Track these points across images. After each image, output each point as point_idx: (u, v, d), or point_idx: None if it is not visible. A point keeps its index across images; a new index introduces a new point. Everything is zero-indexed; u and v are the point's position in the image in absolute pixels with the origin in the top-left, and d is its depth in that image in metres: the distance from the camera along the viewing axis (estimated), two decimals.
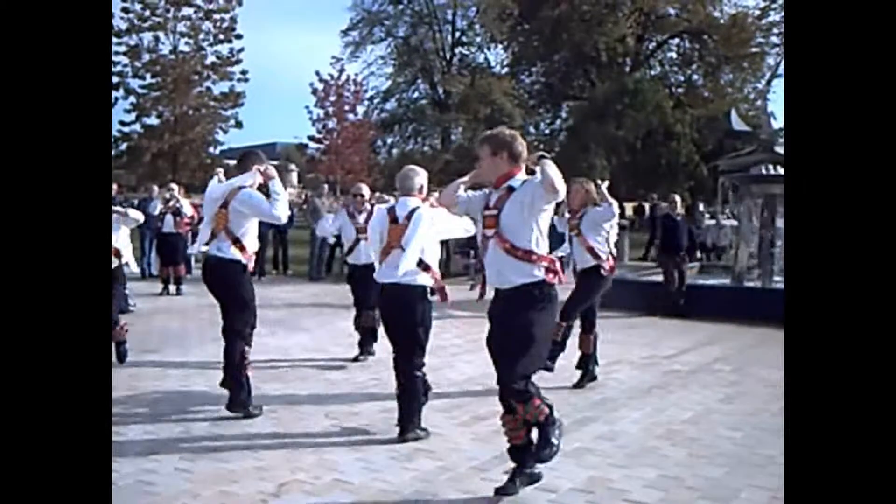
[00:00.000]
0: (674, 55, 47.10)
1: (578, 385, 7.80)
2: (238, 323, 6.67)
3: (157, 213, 15.61)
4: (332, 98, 36.27)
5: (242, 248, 6.62)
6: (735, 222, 17.61)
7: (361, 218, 8.95)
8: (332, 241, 16.14)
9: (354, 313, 9.21)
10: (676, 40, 45.83)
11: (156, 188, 18.72)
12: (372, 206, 8.83)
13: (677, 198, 13.81)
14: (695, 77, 46.29)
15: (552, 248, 5.14)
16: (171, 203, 15.53)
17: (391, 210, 6.32)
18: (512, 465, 5.05)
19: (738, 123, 18.77)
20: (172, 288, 15.15)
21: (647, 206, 30.74)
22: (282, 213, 6.67)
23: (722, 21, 43.86)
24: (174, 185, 16.63)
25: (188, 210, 15.68)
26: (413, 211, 6.16)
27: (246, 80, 37.11)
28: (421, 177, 6.36)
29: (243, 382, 6.56)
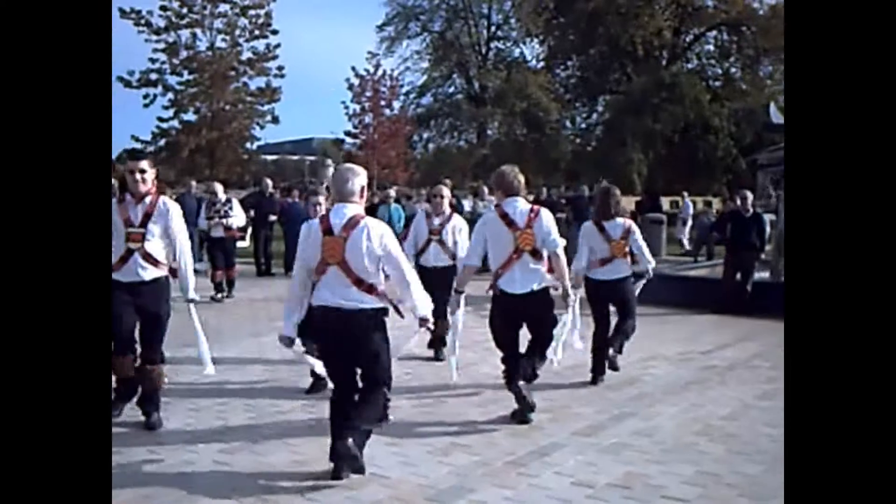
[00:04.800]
0: (711, 48, 46.60)
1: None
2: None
3: (205, 226, 14.22)
4: (369, 93, 36.32)
5: None
6: (773, 216, 17.38)
7: (437, 220, 8.91)
8: None
9: None
10: (714, 33, 45.33)
11: (193, 183, 18.72)
12: (452, 207, 9.00)
13: (748, 194, 13.49)
14: (733, 70, 45.77)
15: None
16: (218, 207, 14.14)
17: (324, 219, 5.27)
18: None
19: (776, 116, 18.44)
20: (225, 291, 14.09)
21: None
22: None
23: (761, 12, 43.26)
24: (218, 186, 14.94)
25: (240, 220, 14.43)
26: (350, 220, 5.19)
27: (282, 76, 37.24)
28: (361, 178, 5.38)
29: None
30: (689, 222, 25.72)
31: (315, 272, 5.10)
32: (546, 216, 6.55)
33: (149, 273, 6.08)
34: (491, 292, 6.55)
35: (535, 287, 6.41)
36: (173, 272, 6.29)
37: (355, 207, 5.19)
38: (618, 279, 7.80)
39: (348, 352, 5.18)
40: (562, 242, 6.60)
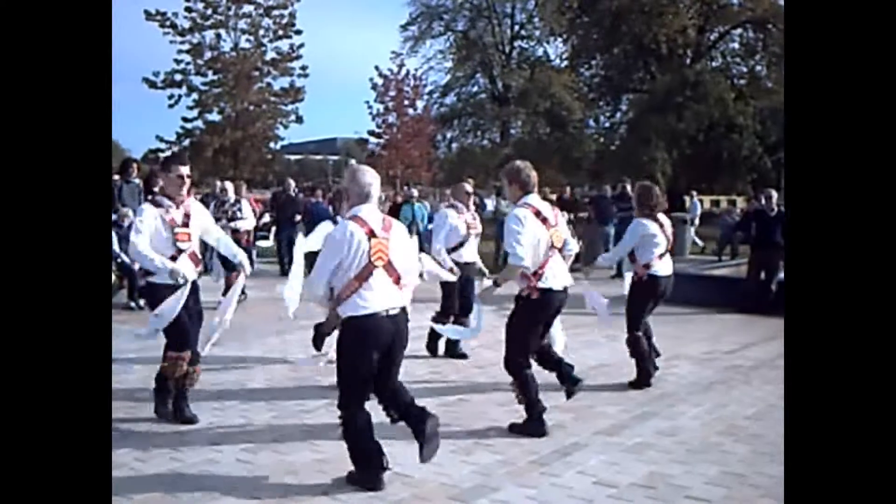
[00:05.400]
0: (736, 46, 46.18)
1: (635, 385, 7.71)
2: None
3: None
4: (392, 93, 36.26)
5: None
6: None
7: (469, 215, 8.95)
8: None
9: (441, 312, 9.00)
10: (739, 30, 44.93)
11: (218, 183, 18.81)
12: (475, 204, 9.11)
13: (773, 192, 13.39)
14: (758, 68, 45.34)
15: None
16: (227, 208, 13.40)
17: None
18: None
19: None
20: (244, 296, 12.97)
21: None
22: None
23: None
24: (228, 185, 14.36)
25: (248, 223, 13.58)
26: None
27: (306, 76, 37.20)
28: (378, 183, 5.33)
29: None
30: (696, 222, 25.49)
31: (356, 280, 4.93)
32: (561, 216, 6.62)
33: (192, 273, 6.29)
34: (515, 293, 6.35)
35: (568, 283, 6.37)
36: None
37: (376, 208, 5.19)
38: (673, 274, 7.86)
39: (392, 359, 5.11)
40: (574, 245, 6.68)
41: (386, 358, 5.05)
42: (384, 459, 5.04)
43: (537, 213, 6.24)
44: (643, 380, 7.68)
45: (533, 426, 6.23)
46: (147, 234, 6.06)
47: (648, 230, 7.66)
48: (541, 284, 6.16)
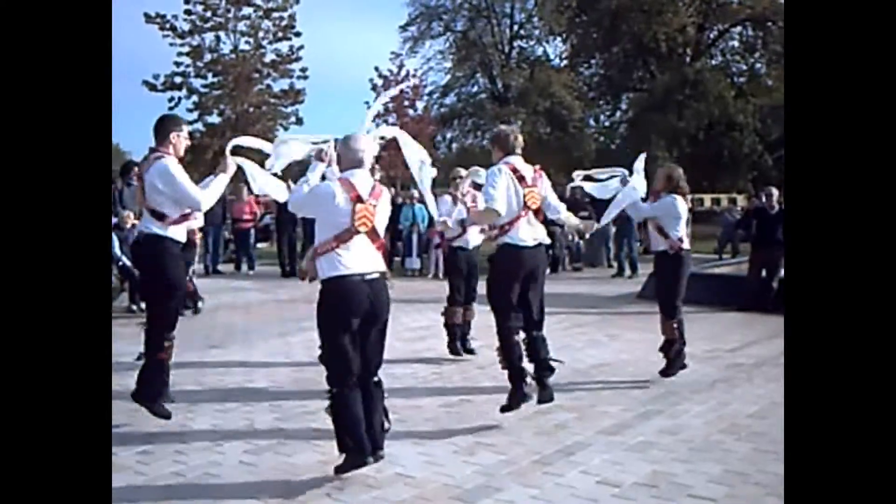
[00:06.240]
0: (736, 44, 46.16)
1: (665, 373, 7.74)
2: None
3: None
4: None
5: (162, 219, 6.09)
6: None
7: (469, 199, 8.90)
8: None
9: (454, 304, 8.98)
10: (739, 28, 44.90)
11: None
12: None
13: (774, 190, 13.34)
14: (758, 66, 45.32)
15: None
16: None
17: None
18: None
19: None
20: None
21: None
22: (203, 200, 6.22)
23: None
24: None
25: (195, 222, 12.35)
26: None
27: (305, 77, 37.28)
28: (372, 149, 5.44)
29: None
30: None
31: (335, 240, 4.94)
32: (546, 179, 6.61)
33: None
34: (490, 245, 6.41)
35: (541, 241, 6.39)
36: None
37: (369, 174, 5.21)
38: None
39: (370, 328, 5.11)
40: (562, 207, 6.75)
41: (365, 325, 5.04)
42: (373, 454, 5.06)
43: (514, 170, 6.30)
44: (673, 369, 7.77)
45: (517, 395, 6.29)
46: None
47: (681, 207, 7.90)
48: (507, 239, 6.25)
